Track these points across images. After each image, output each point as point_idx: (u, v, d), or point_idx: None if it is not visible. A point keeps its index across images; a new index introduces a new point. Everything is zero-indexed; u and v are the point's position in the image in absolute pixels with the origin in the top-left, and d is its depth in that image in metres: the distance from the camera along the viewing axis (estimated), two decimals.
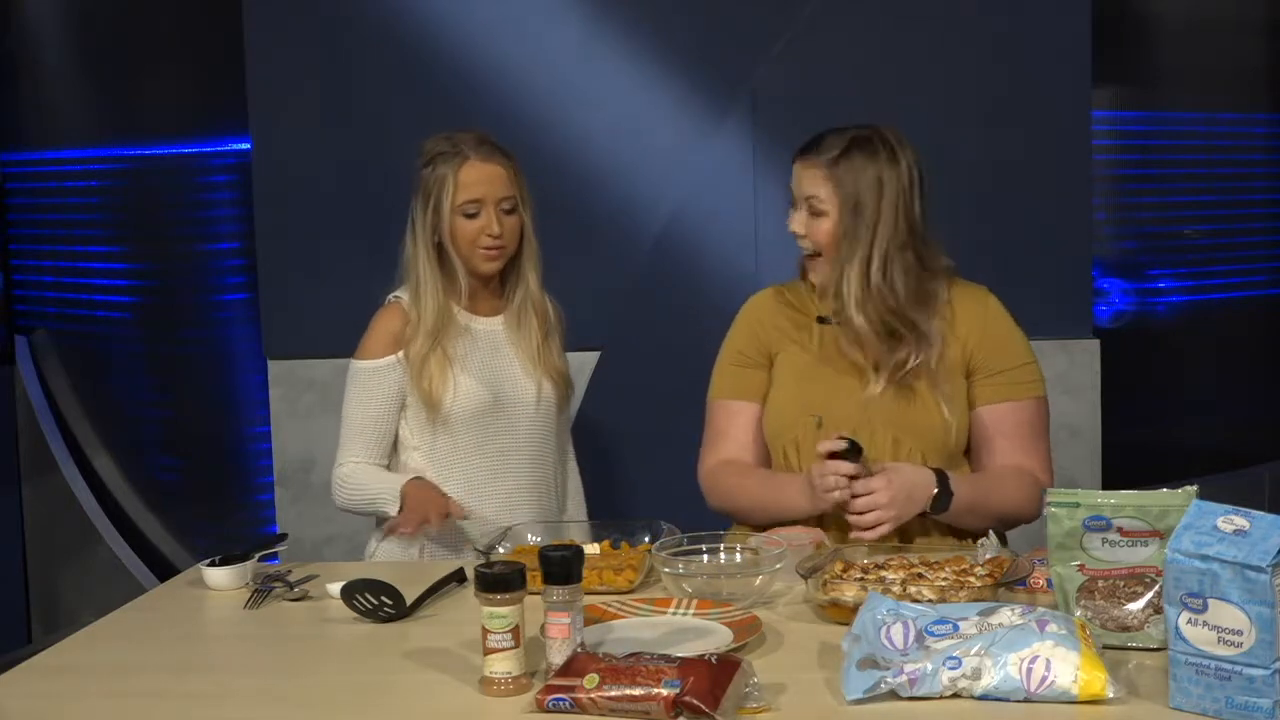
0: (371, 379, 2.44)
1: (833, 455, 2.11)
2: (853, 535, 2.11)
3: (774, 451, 2.30)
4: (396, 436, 2.47)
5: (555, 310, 2.56)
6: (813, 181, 2.21)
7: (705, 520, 2.33)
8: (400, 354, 2.43)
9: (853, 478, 2.10)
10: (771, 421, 2.30)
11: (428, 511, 2.32)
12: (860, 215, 2.18)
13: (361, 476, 2.42)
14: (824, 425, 2.20)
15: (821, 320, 2.30)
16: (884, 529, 2.10)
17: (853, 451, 2.10)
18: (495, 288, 2.51)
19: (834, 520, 2.19)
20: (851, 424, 2.19)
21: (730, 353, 2.37)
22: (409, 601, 1.92)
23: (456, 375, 2.42)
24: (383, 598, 1.91)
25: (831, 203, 2.20)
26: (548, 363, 2.50)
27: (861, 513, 2.11)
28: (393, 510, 2.36)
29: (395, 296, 2.48)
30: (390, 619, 1.89)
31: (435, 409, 2.41)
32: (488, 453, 2.45)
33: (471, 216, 2.40)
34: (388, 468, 2.47)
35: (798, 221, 2.24)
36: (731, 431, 2.34)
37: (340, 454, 2.45)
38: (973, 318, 2.28)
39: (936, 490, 2.13)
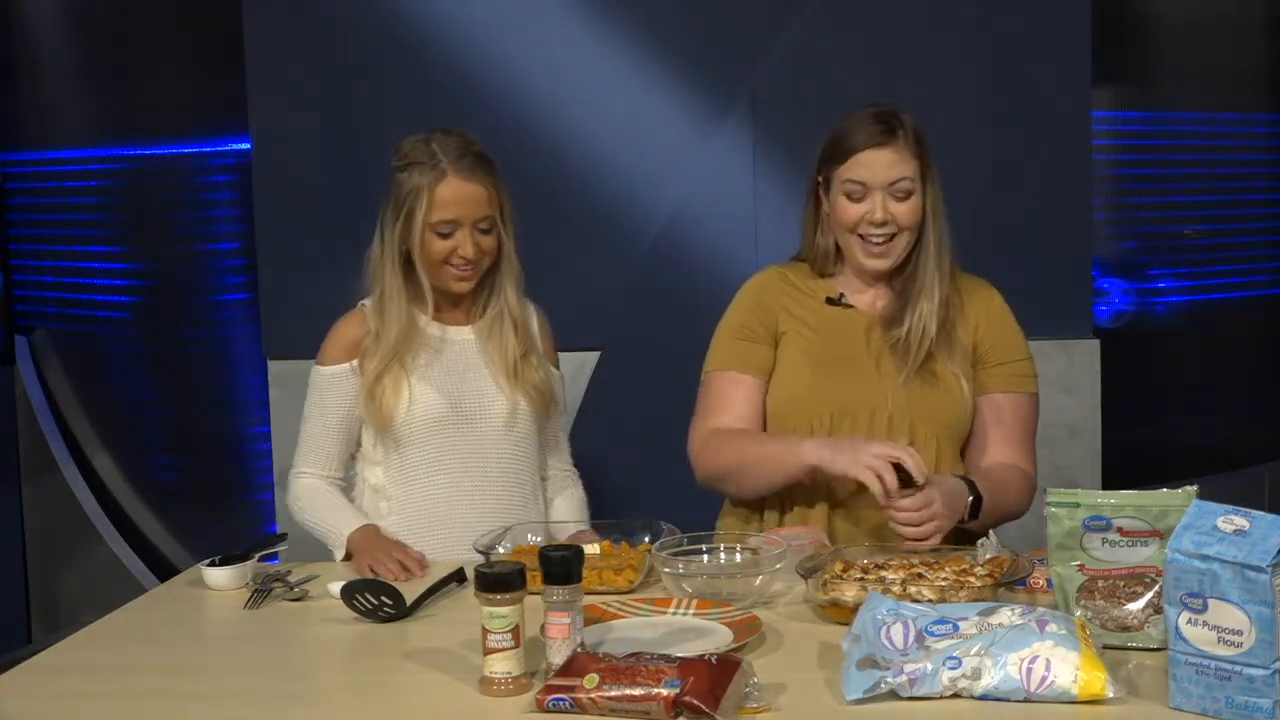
0: (327, 385, 2.36)
1: (902, 485, 2.03)
2: (907, 545, 2.01)
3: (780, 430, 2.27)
4: (360, 445, 2.39)
5: (541, 320, 2.47)
6: (902, 163, 2.18)
7: (705, 520, 2.34)
8: (355, 363, 2.34)
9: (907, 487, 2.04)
10: (782, 403, 2.28)
11: (377, 561, 2.17)
12: (937, 183, 2.22)
13: (316, 503, 2.35)
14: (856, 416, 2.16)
15: (830, 301, 2.30)
16: (936, 539, 2.03)
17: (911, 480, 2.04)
18: (468, 298, 2.39)
19: (833, 517, 2.19)
20: (870, 410, 2.18)
21: (733, 325, 2.34)
22: (409, 601, 1.92)
23: (413, 385, 2.32)
24: (383, 598, 1.91)
25: (918, 178, 2.19)
26: (525, 379, 2.37)
27: (918, 524, 2.02)
28: (338, 555, 2.28)
29: (362, 304, 2.39)
30: (390, 619, 1.89)
31: (386, 429, 2.32)
32: (449, 468, 2.33)
33: (445, 236, 2.29)
34: (347, 483, 2.40)
35: (880, 210, 2.18)
36: (732, 402, 2.29)
37: (298, 461, 2.39)
38: (980, 308, 2.29)
39: (971, 498, 2.11)
